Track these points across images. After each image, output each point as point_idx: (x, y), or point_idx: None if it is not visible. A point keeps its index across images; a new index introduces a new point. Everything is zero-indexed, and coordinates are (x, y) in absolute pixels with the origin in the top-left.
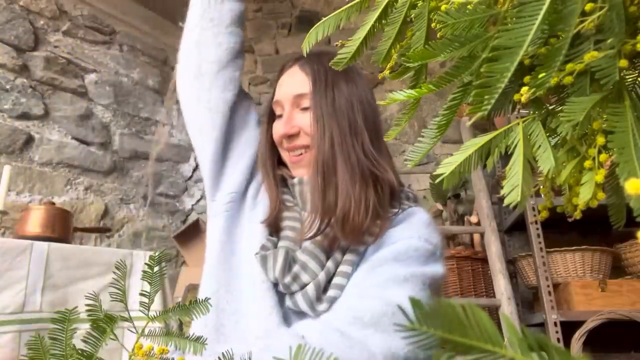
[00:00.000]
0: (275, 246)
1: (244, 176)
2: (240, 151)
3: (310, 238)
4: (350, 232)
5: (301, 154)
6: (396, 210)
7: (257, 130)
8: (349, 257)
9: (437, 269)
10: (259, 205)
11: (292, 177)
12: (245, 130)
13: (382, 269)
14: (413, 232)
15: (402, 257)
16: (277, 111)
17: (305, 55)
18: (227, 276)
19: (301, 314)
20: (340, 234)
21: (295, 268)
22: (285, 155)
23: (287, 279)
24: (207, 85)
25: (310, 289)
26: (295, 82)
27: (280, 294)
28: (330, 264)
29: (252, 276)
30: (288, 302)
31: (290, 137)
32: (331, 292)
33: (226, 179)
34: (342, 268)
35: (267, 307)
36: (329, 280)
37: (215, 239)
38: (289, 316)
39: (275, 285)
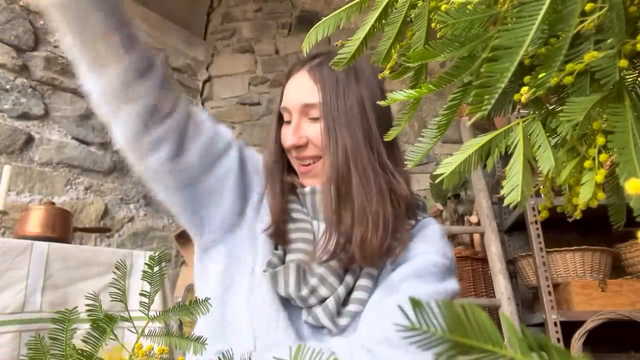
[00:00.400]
0: (283, 261)
1: (232, 208)
2: (217, 190)
3: (325, 262)
4: (370, 257)
5: (310, 164)
6: (413, 222)
7: (235, 152)
8: (368, 270)
9: (454, 284)
10: (261, 224)
11: (303, 186)
12: (214, 166)
13: (405, 286)
14: (430, 246)
15: (423, 273)
16: (285, 117)
17: (313, 57)
18: (232, 301)
19: (320, 329)
20: (359, 257)
21: (313, 281)
22: (294, 163)
23: (304, 292)
24: (135, 158)
25: (331, 302)
26: (303, 90)
27: (291, 310)
28: (349, 278)
29: (262, 295)
30: (306, 316)
31: (299, 147)
32: (352, 307)
33: (211, 221)
34: (362, 282)
35: (282, 324)
36: (348, 294)
37: (215, 275)
38: (301, 331)
39: (286, 301)
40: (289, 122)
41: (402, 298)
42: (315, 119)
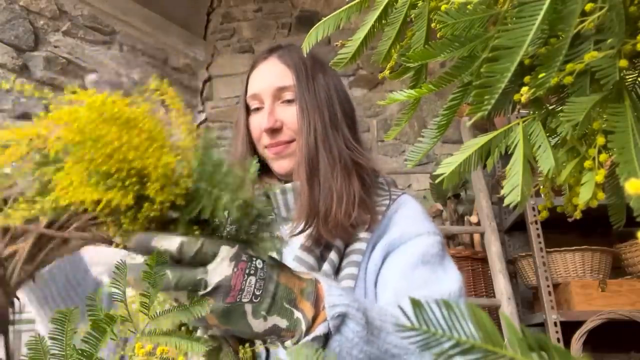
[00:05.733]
0: None
1: None
2: None
3: (296, 235)
4: (333, 228)
5: (282, 145)
6: (386, 199)
7: None
8: (353, 257)
9: (451, 262)
10: None
11: (270, 186)
12: None
13: (418, 273)
14: (420, 226)
15: (427, 257)
16: (255, 104)
17: (278, 47)
18: None
19: None
20: (323, 230)
21: None
22: (264, 152)
23: None
24: None
25: None
26: (275, 74)
27: None
28: (327, 267)
29: None
30: None
31: (274, 132)
32: None
33: None
34: (348, 270)
35: None
36: None
37: None
38: None
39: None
40: (257, 110)
41: (418, 284)
42: (288, 101)
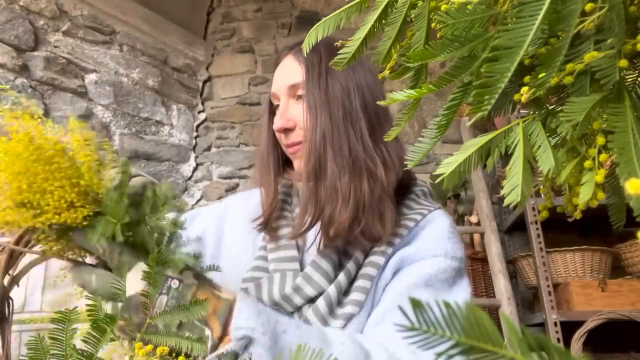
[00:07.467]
0: (267, 271)
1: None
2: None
3: (297, 236)
4: (335, 233)
5: (298, 144)
6: (418, 214)
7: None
8: (367, 270)
9: (463, 291)
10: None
11: (298, 180)
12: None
13: (415, 294)
14: (438, 248)
15: (433, 282)
16: (275, 103)
17: (298, 43)
18: None
19: None
20: (324, 233)
21: (298, 280)
22: (285, 150)
23: (288, 290)
24: None
25: (321, 303)
26: (289, 72)
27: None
28: (342, 278)
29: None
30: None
31: (287, 131)
32: (348, 309)
33: None
34: (360, 283)
35: None
36: (344, 293)
37: None
38: None
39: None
40: (278, 108)
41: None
42: (300, 97)
